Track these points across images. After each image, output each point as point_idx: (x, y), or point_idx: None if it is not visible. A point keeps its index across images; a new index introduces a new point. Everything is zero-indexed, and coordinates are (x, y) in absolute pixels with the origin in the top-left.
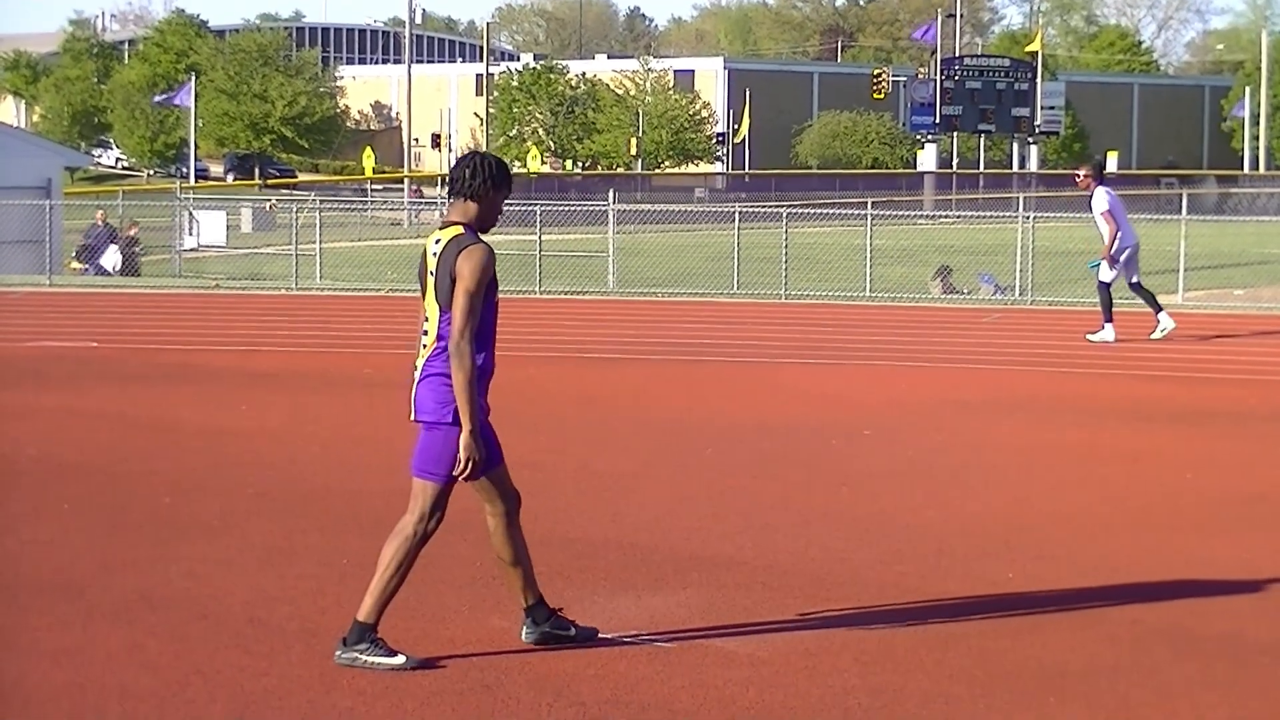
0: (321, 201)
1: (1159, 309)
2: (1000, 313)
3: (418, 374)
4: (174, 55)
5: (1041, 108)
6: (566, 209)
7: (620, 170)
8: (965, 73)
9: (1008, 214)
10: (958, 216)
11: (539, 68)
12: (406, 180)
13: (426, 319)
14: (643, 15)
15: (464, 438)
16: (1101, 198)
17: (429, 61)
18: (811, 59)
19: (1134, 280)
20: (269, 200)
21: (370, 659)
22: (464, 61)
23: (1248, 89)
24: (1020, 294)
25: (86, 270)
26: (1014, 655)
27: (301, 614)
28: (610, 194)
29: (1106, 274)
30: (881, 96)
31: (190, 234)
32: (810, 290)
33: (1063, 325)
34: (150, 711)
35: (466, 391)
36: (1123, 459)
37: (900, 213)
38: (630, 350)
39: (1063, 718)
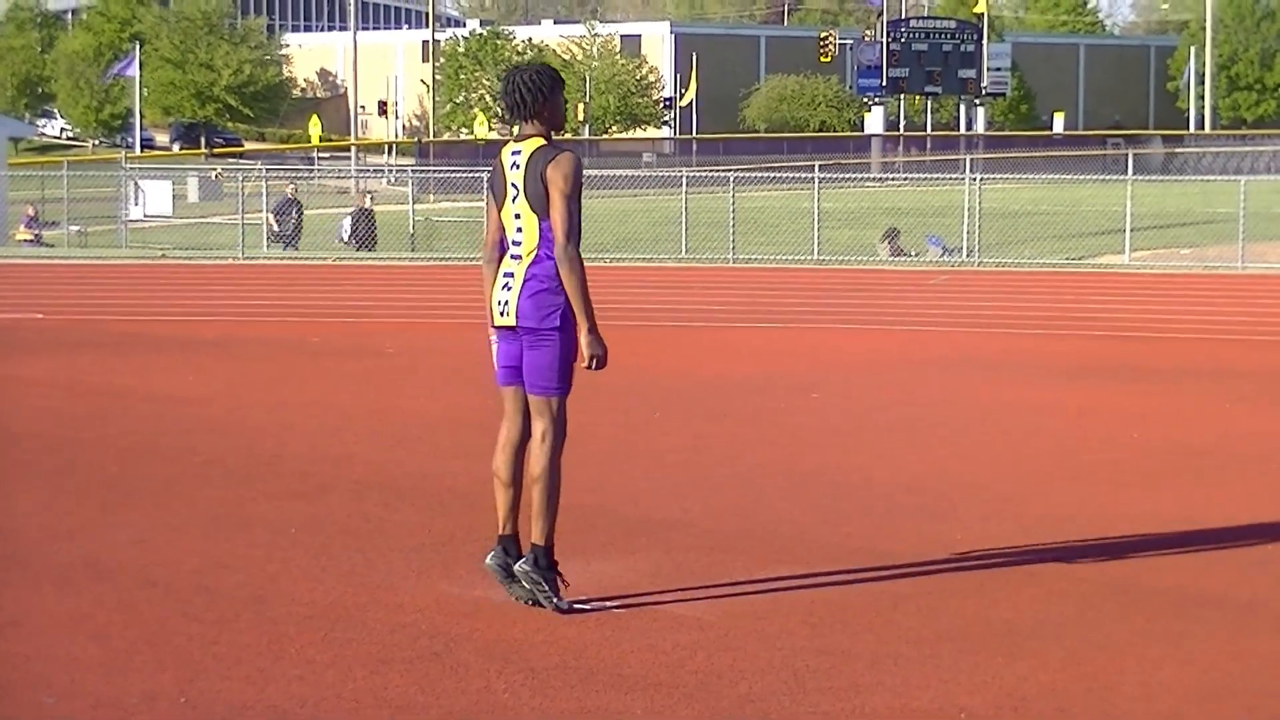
0: (268, 170)
1: None
2: (948, 274)
3: (516, 281)
4: (118, 24)
5: (988, 69)
6: None
7: (568, 136)
8: (911, 35)
9: (955, 176)
10: (905, 179)
11: (485, 34)
12: (354, 148)
13: (520, 230)
14: None
15: (585, 336)
16: None
17: (374, 28)
18: (758, 22)
19: None
20: (215, 169)
21: (549, 590)
22: (410, 28)
23: (1193, 48)
24: (968, 255)
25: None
26: (962, 614)
27: (251, 581)
28: None
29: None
30: (828, 59)
31: (136, 204)
32: (758, 254)
33: (1010, 286)
34: (99, 681)
35: (582, 292)
36: (1069, 415)
37: (848, 175)
38: None
39: (1011, 675)
